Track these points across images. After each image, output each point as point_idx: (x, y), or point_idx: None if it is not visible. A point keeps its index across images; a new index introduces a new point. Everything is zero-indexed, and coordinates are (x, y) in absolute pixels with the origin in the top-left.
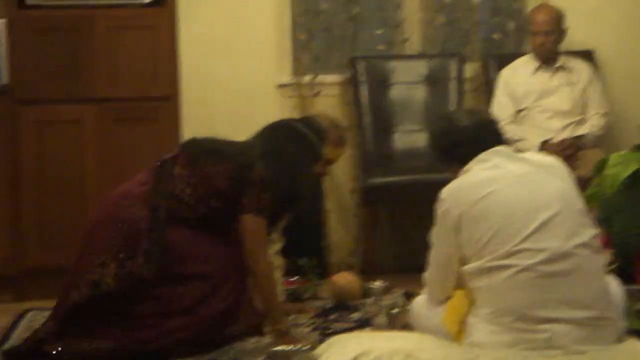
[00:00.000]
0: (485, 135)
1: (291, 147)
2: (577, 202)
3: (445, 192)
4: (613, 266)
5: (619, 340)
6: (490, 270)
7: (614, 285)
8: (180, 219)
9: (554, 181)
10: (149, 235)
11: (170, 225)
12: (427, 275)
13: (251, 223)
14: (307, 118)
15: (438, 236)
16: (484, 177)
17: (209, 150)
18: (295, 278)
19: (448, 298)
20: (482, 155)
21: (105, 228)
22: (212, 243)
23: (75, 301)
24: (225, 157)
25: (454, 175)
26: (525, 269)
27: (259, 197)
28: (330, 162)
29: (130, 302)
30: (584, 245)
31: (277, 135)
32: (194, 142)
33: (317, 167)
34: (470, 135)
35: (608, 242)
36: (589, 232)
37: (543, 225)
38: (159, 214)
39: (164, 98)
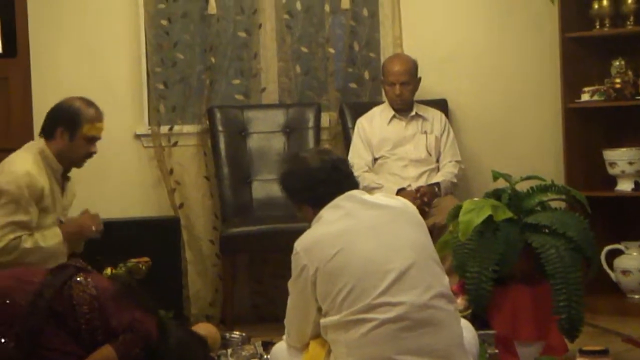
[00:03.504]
0: (337, 177)
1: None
2: (430, 249)
3: (300, 245)
4: (467, 312)
5: None
6: (347, 324)
7: (468, 332)
8: (61, 322)
9: (408, 229)
10: (27, 319)
11: (50, 321)
12: (286, 322)
13: (106, 354)
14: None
15: (295, 287)
16: (337, 229)
17: (132, 295)
18: None
19: (307, 345)
20: (336, 201)
21: None
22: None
23: None
24: (135, 304)
25: (304, 216)
26: (383, 322)
27: (132, 347)
28: (95, 139)
29: None
30: (439, 295)
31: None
32: (128, 285)
33: (87, 148)
34: (322, 177)
35: (462, 288)
36: (444, 280)
37: (400, 277)
38: (42, 303)
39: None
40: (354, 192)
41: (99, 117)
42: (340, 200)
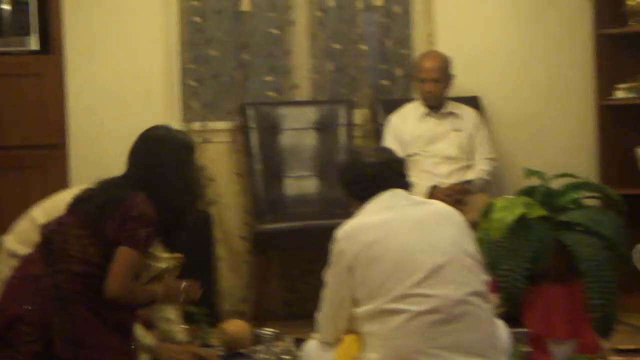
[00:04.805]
0: (387, 174)
1: (157, 159)
2: (470, 249)
3: (341, 232)
4: (500, 310)
5: None
6: (381, 314)
7: (501, 329)
8: (75, 296)
9: (448, 228)
10: (56, 323)
11: (72, 307)
12: (319, 314)
13: (124, 255)
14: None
15: (332, 276)
16: (380, 218)
17: (99, 206)
18: (185, 326)
19: (339, 341)
20: (380, 196)
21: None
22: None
23: None
24: (111, 207)
25: (353, 210)
26: (417, 315)
27: (137, 231)
28: None
29: None
30: (475, 293)
31: (142, 155)
32: (82, 200)
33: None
34: (372, 172)
35: (495, 286)
36: (481, 279)
37: (436, 271)
38: (62, 294)
39: (52, 146)
40: (400, 190)
41: None
42: (385, 195)
